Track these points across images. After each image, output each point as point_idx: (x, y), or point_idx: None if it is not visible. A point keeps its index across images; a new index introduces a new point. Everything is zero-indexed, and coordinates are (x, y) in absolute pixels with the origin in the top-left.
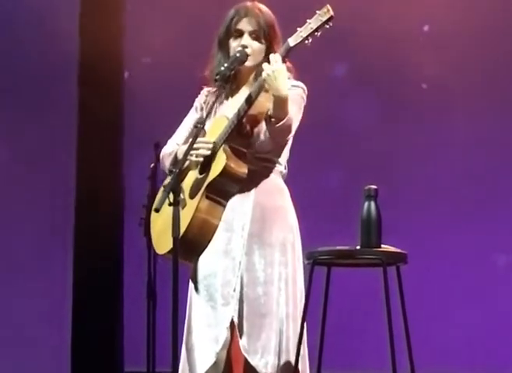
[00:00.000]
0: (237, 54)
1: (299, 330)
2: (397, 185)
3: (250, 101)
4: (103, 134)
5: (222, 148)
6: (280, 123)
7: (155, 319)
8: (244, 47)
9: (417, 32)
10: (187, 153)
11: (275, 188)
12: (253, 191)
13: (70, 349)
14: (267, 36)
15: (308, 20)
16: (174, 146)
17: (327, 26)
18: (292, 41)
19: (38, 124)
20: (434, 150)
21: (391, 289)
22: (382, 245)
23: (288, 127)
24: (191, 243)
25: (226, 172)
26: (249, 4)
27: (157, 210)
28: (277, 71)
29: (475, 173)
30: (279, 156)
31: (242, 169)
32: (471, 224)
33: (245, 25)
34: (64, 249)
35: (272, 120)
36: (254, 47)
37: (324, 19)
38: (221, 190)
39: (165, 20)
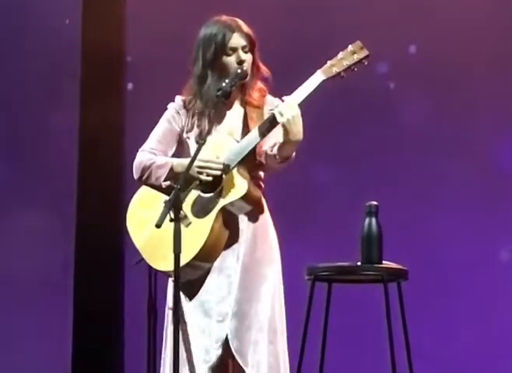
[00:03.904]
0: (238, 71)
1: (286, 345)
2: (399, 200)
3: (271, 127)
4: (104, 150)
5: (236, 171)
6: (285, 162)
7: (155, 335)
8: (243, 62)
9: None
10: (188, 168)
11: (261, 206)
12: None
13: (71, 364)
14: (253, 48)
15: (341, 53)
16: (152, 155)
17: (365, 63)
18: (324, 74)
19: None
20: (434, 162)
21: (392, 305)
22: (383, 261)
23: (289, 164)
24: (201, 263)
25: (246, 196)
26: (231, 19)
27: (158, 226)
28: (296, 116)
29: (478, 186)
30: (261, 171)
31: (257, 194)
32: (474, 239)
33: (237, 41)
34: (65, 263)
35: (277, 157)
36: (249, 61)
37: (360, 57)
38: (234, 212)
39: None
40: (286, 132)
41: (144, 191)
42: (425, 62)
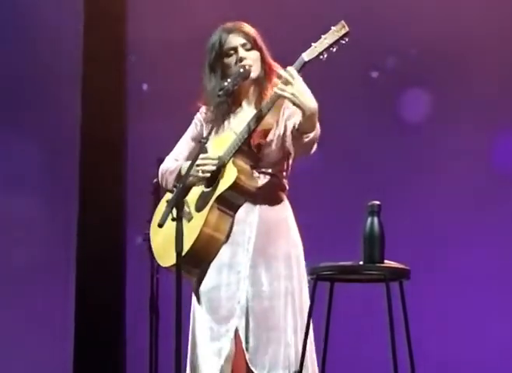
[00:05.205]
0: (241, 70)
1: (300, 342)
2: (401, 200)
3: (260, 116)
4: (106, 150)
5: (231, 162)
6: (310, 137)
7: (157, 334)
8: (243, 58)
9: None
10: (190, 167)
11: (278, 202)
12: (257, 205)
13: (72, 364)
14: (257, 45)
15: (323, 35)
16: (174, 162)
17: (343, 42)
18: (306, 56)
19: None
20: (435, 162)
21: (394, 304)
22: (385, 261)
23: (314, 140)
24: (198, 257)
25: (236, 186)
26: (233, 23)
27: (160, 226)
28: (298, 87)
29: (479, 186)
30: (282, 171)
31: (253, 183)
32: (476, 238)
33: (234, 40)
34: (66, 263)
35: (302, 134)
36: (253, 56)
37: (340, 34)
38: (230, 203)
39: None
40: (298, 106)
41: (167, 197)
42: (426, 61)
